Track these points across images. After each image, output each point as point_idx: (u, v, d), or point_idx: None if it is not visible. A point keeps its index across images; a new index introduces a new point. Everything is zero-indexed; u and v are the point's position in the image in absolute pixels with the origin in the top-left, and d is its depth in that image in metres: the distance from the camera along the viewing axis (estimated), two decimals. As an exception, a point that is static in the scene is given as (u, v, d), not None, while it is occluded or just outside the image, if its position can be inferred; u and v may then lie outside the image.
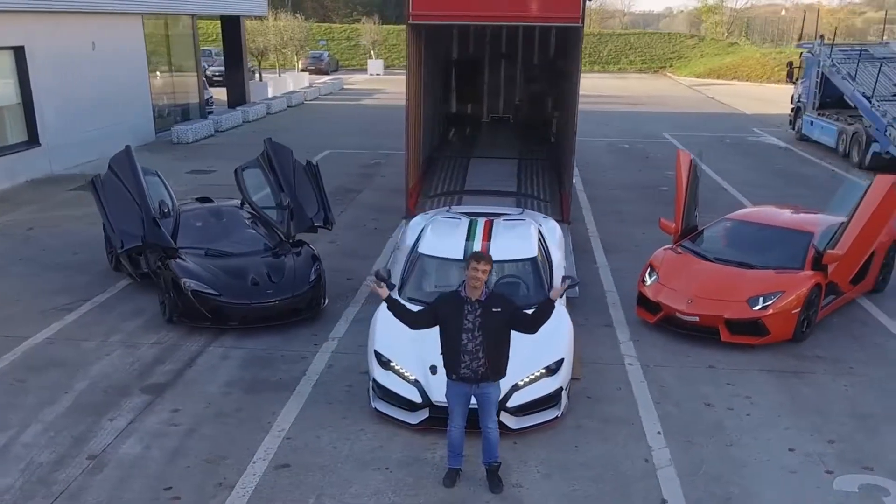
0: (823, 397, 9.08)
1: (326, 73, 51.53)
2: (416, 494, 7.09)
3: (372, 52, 56.45)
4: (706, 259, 11.16)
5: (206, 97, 30.33)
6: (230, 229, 11.80)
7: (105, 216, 10.98)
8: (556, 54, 22.44)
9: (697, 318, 10.35)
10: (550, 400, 8.17)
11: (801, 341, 10.41)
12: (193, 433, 8.08)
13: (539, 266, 9.62)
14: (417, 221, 11.60)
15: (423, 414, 8.06)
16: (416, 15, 13.59)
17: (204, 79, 31.45)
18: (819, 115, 26.49)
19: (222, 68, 39.19)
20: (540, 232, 10.65)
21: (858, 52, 25.80)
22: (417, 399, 8.04)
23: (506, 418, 7.91)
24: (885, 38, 32.60)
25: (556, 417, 8.27)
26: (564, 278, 9.35)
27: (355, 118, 32.82)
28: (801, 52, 29.52)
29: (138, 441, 7.92)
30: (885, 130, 21.64)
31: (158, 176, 12.13)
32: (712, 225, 12.13)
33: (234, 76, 33.38)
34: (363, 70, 56.88)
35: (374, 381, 8.34)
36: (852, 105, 24.17)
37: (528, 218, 11.22)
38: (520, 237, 10.12)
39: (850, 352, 10.31)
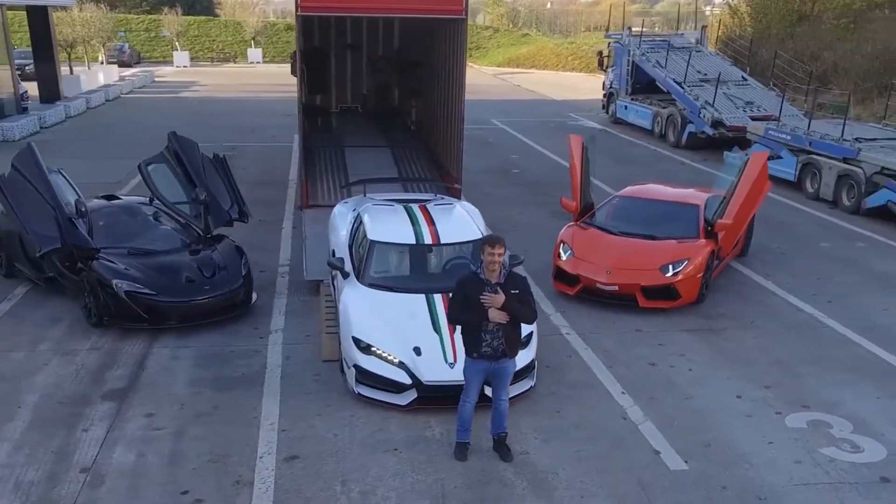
0: (742, 349, 10.01)
1: (130, 66, 48.76)
2: (435, 471, 7.20)
3: (177, 43, 54.04)
4: (612, 233, 11.87)
5: (20, 91, 27.95)
6: (144, 227, 11.17)
7: (18, 219, 10.07)
8: (402, 46, 22.72)
9: (616, 288, 11.03)
10: (526, 371, 8.49)
11: (701, 303, 11.35)
12: (182, 435, 7.71)
13: (486, 246, 9.86)
14: (342, 210, 11.50)
15: (412, 395, 8.13)
16: (305, 7, 13.40)
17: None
18: (633, 99, 28.41)
19: (20, 61, 36.15)
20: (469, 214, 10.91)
21: (667, 43, 27.94)
22: (407, 381, 8.10)
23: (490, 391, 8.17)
24: (679, 28, 35.40)
25: (531, 387, 8.62)
26: (511, 256, 9.73)
27: (182, 111, 31.39)
28: (609, 43, 31.42)
29: (128, 449, 7.46)
30: (699, 113, 23.59)
31: (62, 174, 11.25)
32: (607, 202, 12.88)
33: (45, 70, 30.86)
34: (167, 62, 54.28)
35: (357, 366, 8.30)
36: (665, 90, 26.12)
37: (454, 202, 11.43)
38: (459, 220, 10.32)
39: (743, 308, 11.38)
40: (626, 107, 28.77)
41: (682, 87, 24.81)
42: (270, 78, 44.90)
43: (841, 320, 10.95)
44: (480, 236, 9.97)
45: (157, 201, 11.56)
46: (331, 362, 9.23)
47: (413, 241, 9.62)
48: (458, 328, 7.37)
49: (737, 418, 8.30)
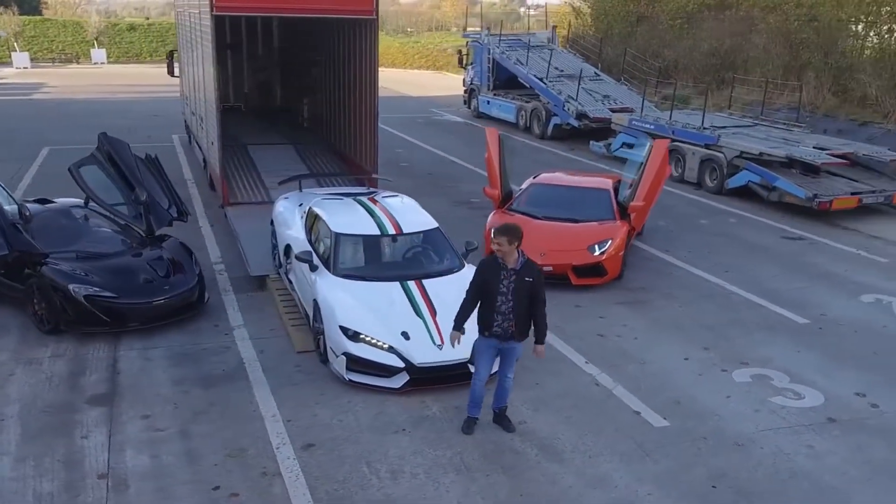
0: (671, 317, 10.69)
1: (-37, 67, 44.90)
2: (450, 447, 7.32)
3: (15, 44, 50.10)
4: (537, 218, 12.29)
5: None
6: (85, 230, 10.54)
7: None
8: (286, 45, 22.33)
9: (551, 268, 11.41)
10: (502, 348, 8.73)
11: (622, 278, 11.97)
12: (189, 434, 7.42)
13: (443, 234, 10.02)
14: (287, 206, 11.30)
15: (404, 377, 8.19)
16: (219, 7, 13.01)
17: None
18: (495, 94, 29.09)
19: None
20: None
21: (521, 41, 28.82)
22: (399, 364, 8.15)
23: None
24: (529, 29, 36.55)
25: (506, 363, 8.86)
26: (467, 243, 9.99)
27: (42, 113, 29.23)
28: (468, 41, 32.00)
29: (138, 452, 7.11)
30: (564, 106, 24.54)
31: (-8, 179, 10.42)
32: (525, 190, 13.29)
33: None
34: (4, 63, 50.12)
35: (347, 354, 8.25)
36: (527, 86, 26.91)
37: (398, 194, 11.46)
38: (414, 210, 10.42)
39: (658, 281, 12.10)
40: (488, 102, 29.40)
41: (545, 83, 25.69)
42: (121, 79, 42.64)
43: (742, 287, 11.87)
44: (437, 225, 10.15)
45: (92, 203, 10.92)
46: (306, 353, 9.13)
47: (378, 232, 9.64)
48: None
49: (691, 378, 8.90)
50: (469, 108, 31.31)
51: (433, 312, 8.58)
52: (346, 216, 9.97)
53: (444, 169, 20.61)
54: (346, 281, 9.02)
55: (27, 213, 9.75)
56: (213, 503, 6.43)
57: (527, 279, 7.15)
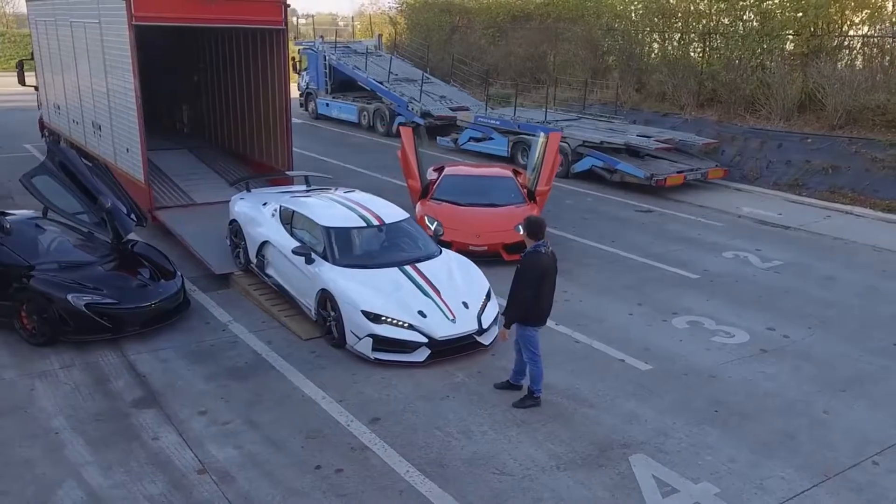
0: (596, 281, 11.50)
1: None
2: (496, 405, 7.60)
3: None
4: (461, 205, 12.67)
5: None
6: (57, 240, 9.55)
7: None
8: (148, 53, 20.87)
9: (486, 248, 11.90)
10: (497, 317, 9.07)
11: (536, 252, 12.63)
12: (256, 423, 7.14)
13: (416, 222, 10.14)
14: (252, 205, 10.81)
15: (426, 351, 8.34)
16: (139, 17, 12.15)
17: None
18: (334, 97, 28.86)
19: None
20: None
21: (351, 49, 28.85)
22: (423, 340, 8.30)
23: (481, 338, 8.69)
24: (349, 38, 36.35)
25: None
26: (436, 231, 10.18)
27: None
28: (299, 49, 31.41)
29: (220, 445, 6.76)
30: (408, 106, 24.92)
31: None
32: (440, 182, 13.55)
33: None
34: None
35: (373, 335, 8.25)
36: (367, 89, 26.96)
37: (353, 189, 11.32)
38: (384, 203, 10.37)
39: (566, 253, 12.75)
40: (327, 104, 29.08)
41: (386, 86, 25.91)
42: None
43: (632, 252, 12.96)
44: (408, 215, 10.25)
45: (51, 213, 9.90)
46: (313, 340, 8.97)
47: (364, 224, 9.61)
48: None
49: (644, 328, 9.74)
50: (307, 110, 30.76)
51: (437, 291, 8.76)
52: (329, 211, 9.83)
53: (317, 166, 20.27)
54: (349, 270, 8.94)
55: (7, 227, 8.71)
56: (324, 480, 6.31)
57: (518, 266, 7.55)
